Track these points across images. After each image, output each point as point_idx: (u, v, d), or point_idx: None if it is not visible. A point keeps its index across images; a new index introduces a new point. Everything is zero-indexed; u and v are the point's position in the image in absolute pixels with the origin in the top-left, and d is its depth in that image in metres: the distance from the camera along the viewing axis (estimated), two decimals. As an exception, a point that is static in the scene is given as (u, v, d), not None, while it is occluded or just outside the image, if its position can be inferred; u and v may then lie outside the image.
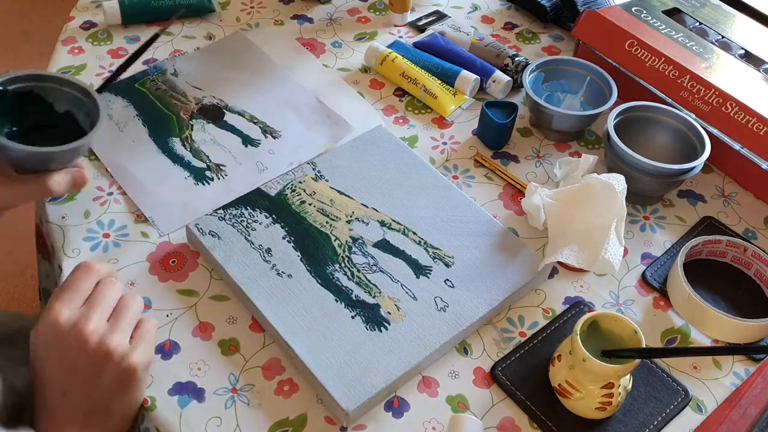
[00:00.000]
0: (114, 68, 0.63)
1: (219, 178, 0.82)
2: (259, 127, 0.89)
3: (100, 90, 0.63)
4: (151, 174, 0.82)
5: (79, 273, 0.62)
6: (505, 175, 0.85)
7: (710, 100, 0.84)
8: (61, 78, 0.66)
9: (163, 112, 0.89)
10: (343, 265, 0.72)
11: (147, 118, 0.88)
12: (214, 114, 0.90)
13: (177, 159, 0.84)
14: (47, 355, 0.59)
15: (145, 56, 0.97)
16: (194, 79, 0.94)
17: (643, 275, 0.76)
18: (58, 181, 0.65)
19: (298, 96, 0.93)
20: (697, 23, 0.97)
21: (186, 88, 0.93)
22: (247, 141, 0.87)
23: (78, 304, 0.60)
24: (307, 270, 0.71)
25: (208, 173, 0.83)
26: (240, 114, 0.90)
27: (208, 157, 0.85)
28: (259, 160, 0.85)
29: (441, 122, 0.92)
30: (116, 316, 0.61)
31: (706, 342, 0.72)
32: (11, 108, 0.63)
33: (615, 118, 0.83)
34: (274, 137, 0.88)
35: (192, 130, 0.87)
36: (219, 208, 0.76)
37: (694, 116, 0.85)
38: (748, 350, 0.71)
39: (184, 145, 0.86)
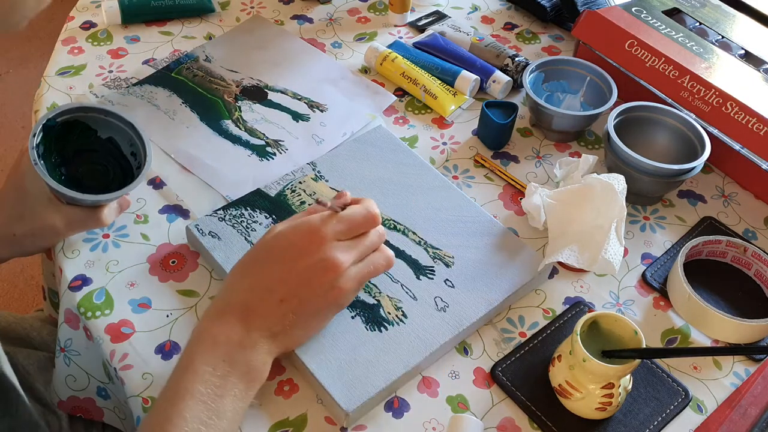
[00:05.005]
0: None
1: (281, 153, 0.85)
2: (305, 102, 0.91)
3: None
4: (216, 156, 0.84)
5: (359, 216, 0.63)
6: (505, 175, 0.85)
7: (710, 100, 0.84)
8: (105, 109, 0.69)
9: (207, 98, 0.91)
10: (343, 265, 0.72)
11: (194, 105, 0.90)
12: (257, 94, 0.92)
13: (235, 140, 0.86)
14: (284, 255, 0.61)
15: (145, 56, 0.97)
16: (228, 62, 0.96)
17: (643, 275, 0.76)
18: (109, 214, 0.68)
19: (333, 71, 0.96)
20: (697, 23, 0.96)
21: (222, 72, 0.95)
22: (297, 116, 0.89)
23: (338, 229, 0.62)
24: (307, 270, 0.71)
25: (269, 149, 0.85)
26: (282, 92, 0.92)
27: (264, 134, 0.87)
28: (314, 133, 0.88)
29: (441, 122, 0.92)
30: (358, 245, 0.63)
31: (706, 342, 0.72)
32: (58, 137, 0.67)
33: (615, 119, 0.83)
34: (322, 111, 0.90)
35: (240, 111, 0.90)
36: (219, 209, 0.76)
37: (694, 116, 0.85)
38: (748, 350, 0.71)
39: (237, 126, 0.88)
